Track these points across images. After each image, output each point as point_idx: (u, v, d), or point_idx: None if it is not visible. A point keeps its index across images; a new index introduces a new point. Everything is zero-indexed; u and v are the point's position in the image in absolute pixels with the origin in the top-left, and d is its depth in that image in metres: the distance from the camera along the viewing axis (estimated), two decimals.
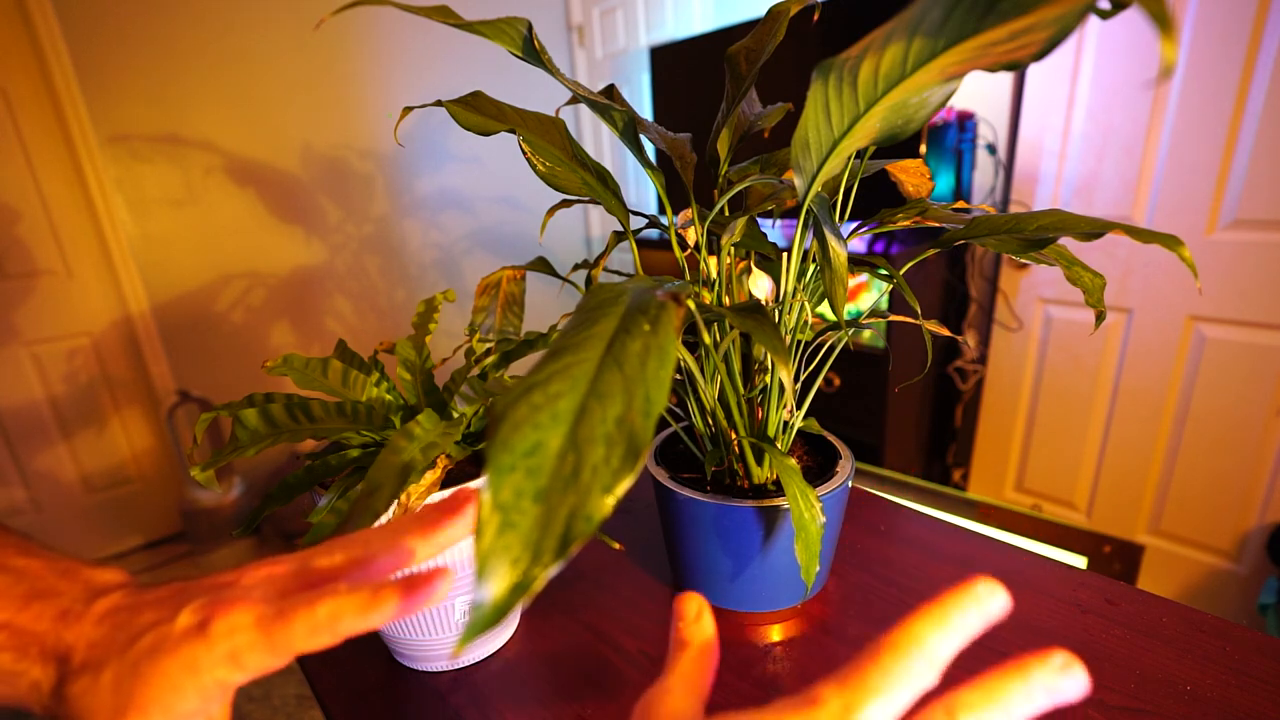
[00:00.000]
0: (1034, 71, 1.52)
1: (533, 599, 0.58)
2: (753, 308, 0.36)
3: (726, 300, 0.52)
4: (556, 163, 0.48)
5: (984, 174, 1.68)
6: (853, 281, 1.58)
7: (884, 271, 0.51)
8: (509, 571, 0.18)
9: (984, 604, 0.21)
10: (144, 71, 1.85)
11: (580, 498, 0.19)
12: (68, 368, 1.94)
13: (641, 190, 2.59)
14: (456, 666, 0.51)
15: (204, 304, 2.07)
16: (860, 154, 0.47)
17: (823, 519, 0.44)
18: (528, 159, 0.47)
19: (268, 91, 2.03)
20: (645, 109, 2.34)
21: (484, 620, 0.18)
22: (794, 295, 0.48)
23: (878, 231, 0.51)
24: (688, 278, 0.50)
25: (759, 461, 0.51)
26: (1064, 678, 0.19)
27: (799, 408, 0.54)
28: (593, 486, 0.20)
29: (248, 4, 1.96)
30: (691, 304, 0.36)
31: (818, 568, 0.44)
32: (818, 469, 0.54)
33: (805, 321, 0.51)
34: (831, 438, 0.57)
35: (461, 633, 0.19)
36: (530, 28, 0.39)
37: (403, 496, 0.42)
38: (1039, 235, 0.41)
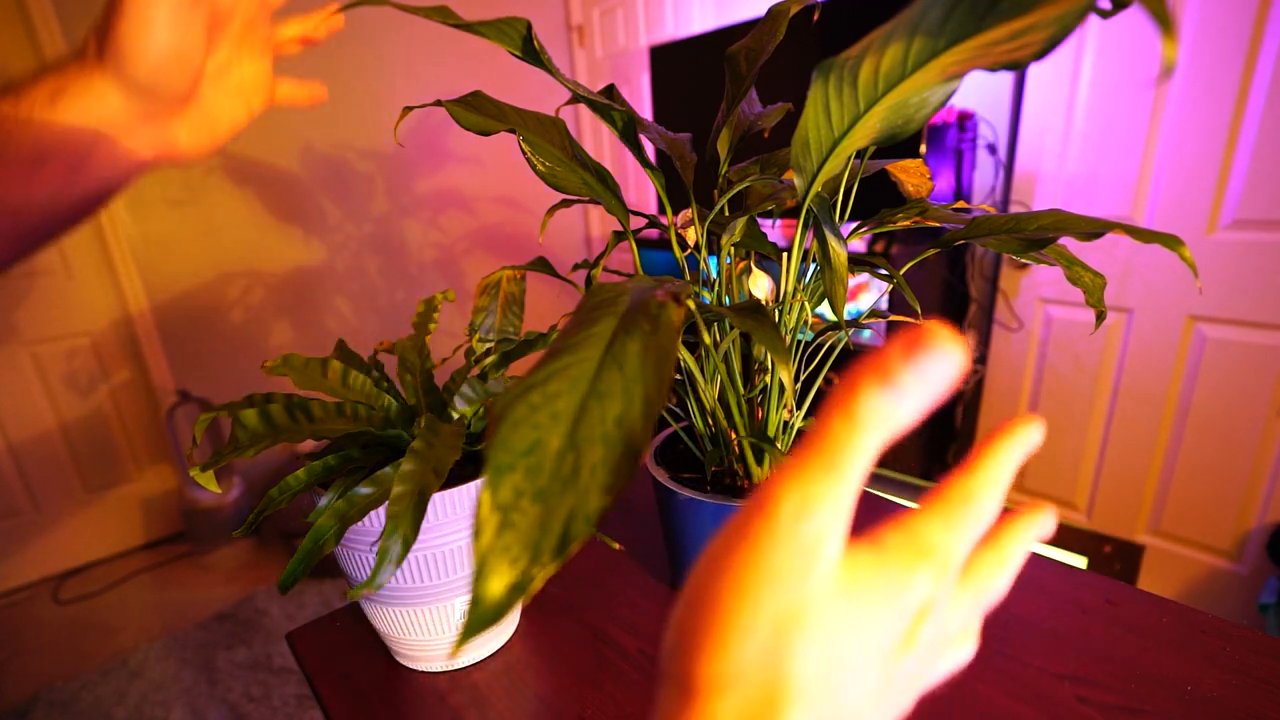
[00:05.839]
0: (1034, 71, 1.52)
1: (531, 598, 0.58)
2: (753, 308, 0.36)
3: (726, 300, 0.52)
4: (556, 163, 0.48)
5: (984, 174, 1.68)
6: (853, 281, 1.58)
7: (884, 271, 0.51)
8: (507, 571, 0.18)
9: (1031, 437, 0.22)
10: None
11: (579, 498, 0.19)
12: (68, 368, 1.94)
13: (641, 190, 2.59)
14: (456, 666, 0.51)
15: (204, 304, 2.07)
16: (860, 154, 0.47)
17: None
18: (528, 159, 0.47)
19: None
20: (645, 109, 2.34)
21: (482, 619, 0.18)
22: (794, 295, 0.48)
23: (878, 231, 0.51)
24: (688, 278, 0.50)
25: (759, 461, 0.51)
26: (1048, 523, 0.23)
27: (799, 408, 0.54)
28: (591, 486, 0.20)
29: None
30: (691, 304, 0.36)
31: None
32: None
33: (805, 321, 0.51)
34: None
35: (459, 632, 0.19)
36: (530, 28, 0.39)
37: None
38: (1039, 235, 0.41)
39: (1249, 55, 1.22)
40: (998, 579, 0.22)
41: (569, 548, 0.19)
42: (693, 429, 0.55)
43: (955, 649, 0.24)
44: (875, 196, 0.74)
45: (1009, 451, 0.21)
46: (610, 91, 0.50)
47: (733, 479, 0.53)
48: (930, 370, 0.16)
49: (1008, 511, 0.23)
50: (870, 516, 0.67)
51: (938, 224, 0.48)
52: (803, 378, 0.55)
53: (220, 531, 2.02)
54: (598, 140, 2.69)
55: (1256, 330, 1.33)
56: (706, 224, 0.48)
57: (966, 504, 0.20)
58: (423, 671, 0.52)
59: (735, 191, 0.46)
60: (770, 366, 0.50)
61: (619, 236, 0.53)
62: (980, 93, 1.63)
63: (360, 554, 0.47)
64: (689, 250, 0.53)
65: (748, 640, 0.17)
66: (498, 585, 0.18)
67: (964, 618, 0.22)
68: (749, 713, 0.17)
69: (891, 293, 1.45)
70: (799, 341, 0.52)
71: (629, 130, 0.47)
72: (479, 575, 0.18)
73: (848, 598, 0.18)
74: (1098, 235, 0.39)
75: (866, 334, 1.60)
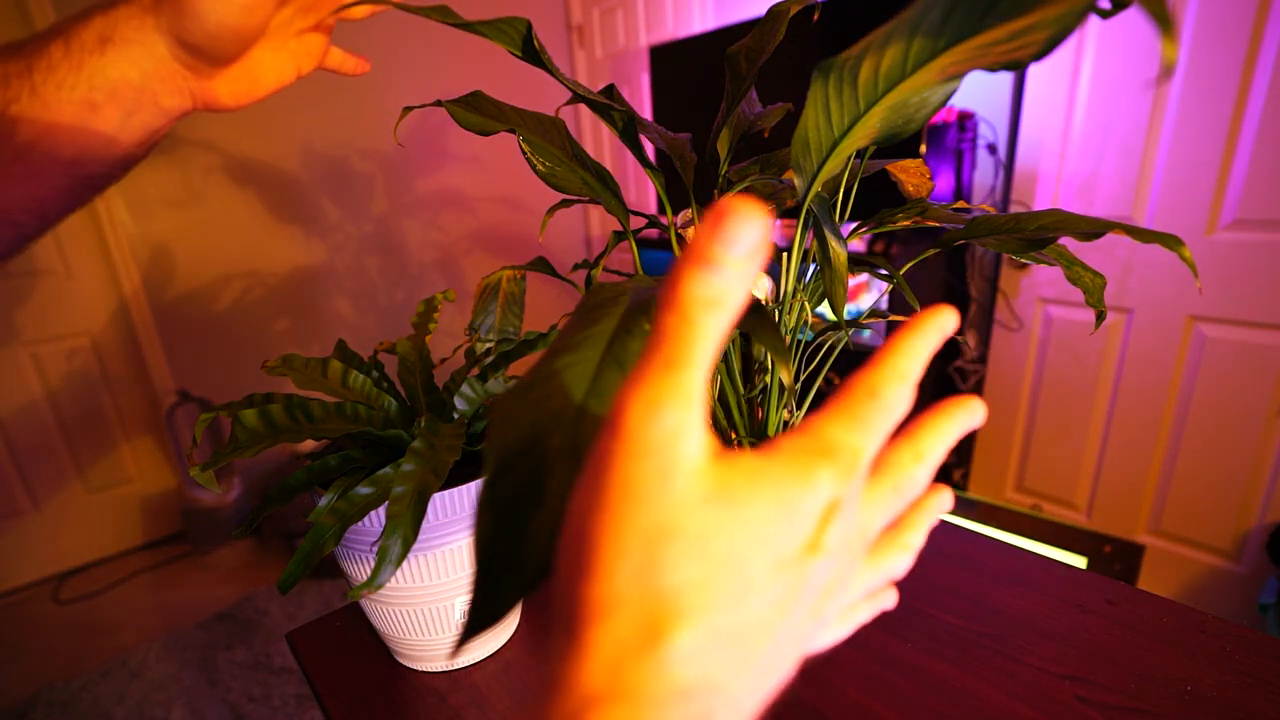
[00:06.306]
0: (1034, 71, 1.52)
1: (532, 598, 0.58)
2: (753, 308, 0.36)
3: None
4: (556, 163, 0.48)
5: (984, 174, 1.68)
6: (853, 281, 1.58)
7: (884, 271, 0.51)
8: (508, 572, 0.18)
9: (943, 325, 0.22)
10: None
11: None
12: (68, 368, 1.94)
13: (641, 190, 2.59)
14: (456, 666, 0.51)
15: (204, 304, 2.07)
16: (860, 154, 0.47)
17: None
18: (527, 159, 0.47)
19: None
20: (645, 109, 2.34)
21: (485, 615, 0.18)
22: (794, 295, 0.48)
23: (878, 231, 0.51)
24: None
25: None
26: (977, 413, 0.23)
27: (799, 408, 0.54)
28: None
29: None
30: None
31: None
32: None
33: (805, 321, 0.51)
34: None
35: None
36: (530, 28, 0.39)
37: None
38: (1039, 235, 0.41)
39: (1249, 55, 1.22)
40: (916, 471, 0.21)
41: None
42: None
43: (886, 556, 0.23)
44: (875, 196, 0.74)
45: (918, 342, 0.21)
46: (610, 91, 0.50)
47: None
48: (739, 237, 0.16)
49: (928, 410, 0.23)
50: None
51: (938, 224, 0.48)
52: (803, 378, 0.55)
53: (220, 531, 2.02)
54: (598, 140, 2.69)
55: (1256, 330, 1.33)
56: None
57: (871, 398, 0.19)
58: (423, 671, 0.52)
59: (735, 191, 0.46)
60: (770, 366, 0.50)
61: (619, 236, 0.53)
62: (980, 93, 1.63)
63: (360, 554, 0.47)
64: None
65: (619, 561, 0.16)
66: (502, 585, 0.18)
67: (885, 517, 0.21)
68: (632, 637, 0.15)
69: (891, 293, 1.45)
70: (799, 341, 0.52)
71: (629, 130, 0.47)
72: (479, 578, 0.18)
73: (725, 501, 0.17)
74: (1098, 235, 0.39)
75: (866, 334, 1.60)
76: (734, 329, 0.17)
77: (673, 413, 0.16)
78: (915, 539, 0.24)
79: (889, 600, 0.25)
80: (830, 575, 0.19)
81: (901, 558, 0.24)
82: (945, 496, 0.25)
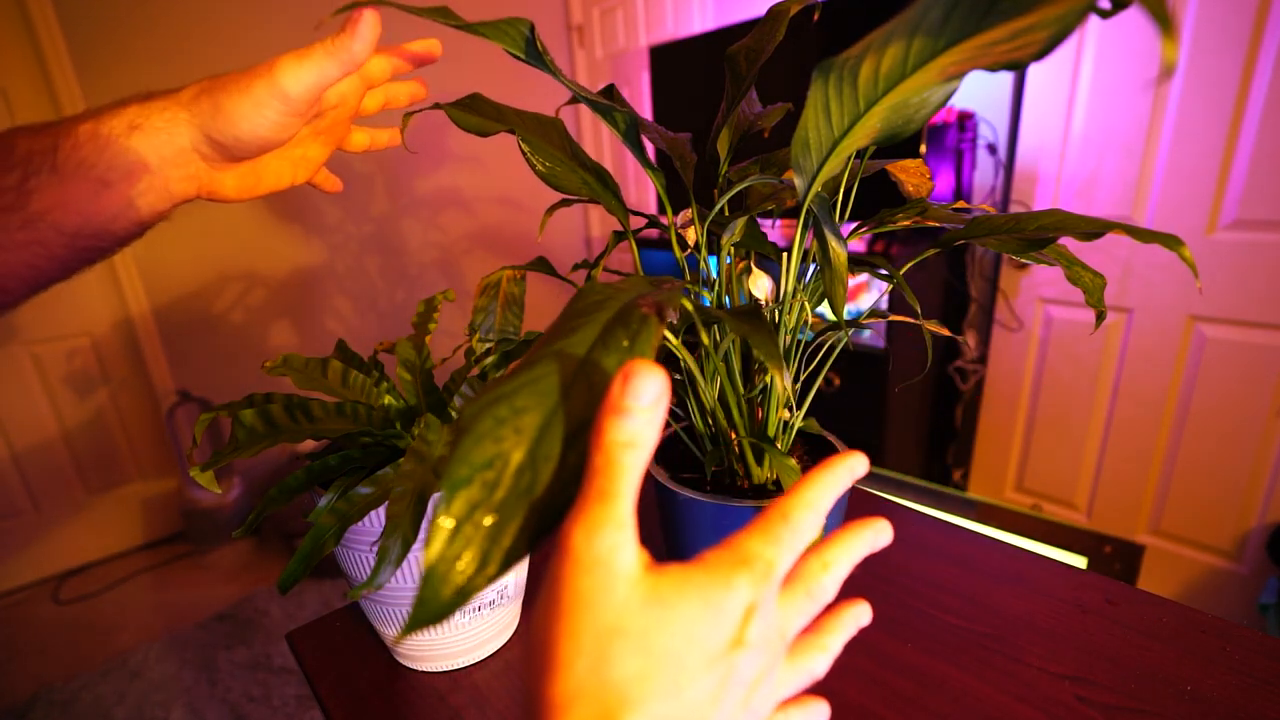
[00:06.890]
0: (1034, 71, 1.52)
1: (531, 599, 0.58)
2: (750, 311, 0.36)
3: (727, 301, 0.52)
4: (556, 163, 0.48)
5: (984, 174, 1.68)
6: (853, 281, 1.58)
7: (884, 271, 0.51)
8: (454, 579, 0.19)
9: (854, 468, 0.25)
10: (144, 71, 1.85)
11: (531, 514, 0.20)
12: (68, 368, 1.94)
13: (642, 190, 2.59)
14: (456, 667, 0.51)
15: (204, 304, 2.07)
16: (860, 154, 0.47)
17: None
18: (527, 159, 0.47)
19: None
20: (645, 109, 2.34)
21: (423, 619, 0.19)
22: (794, 295, 0.48)
23: (878, 231, 0.51)
24: (688, 278, 0.50)
25: (759, 461, 0.51)
26: (883, 534, 0.27)
27: (799, 408, 0.54)
28: (544, 504, 0.20)
29: (248, 4, 1.96)
30: (689, 305, 0.36)
31: None
32: None
33: (805, 321, 0.51)
34: (831, 438, 0.57)
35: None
36: (533, 29, 0.39)
37: None
38: (1039, 235, 0.41)
39: (1249, 55, 1.22)
40: (824, 579, 0.25)
41: (515, 561, 0.19)
42: (693, 429, 0.55)
43: (807, 656, 0.26)
44: (875, 196, 0.74)
45: (830, 479, 0.24)
46: (610, 91, 0.50)
47: (732, 479, 0.53)
48: (642, 390, 0.20)
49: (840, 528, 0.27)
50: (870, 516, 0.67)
51: (938, 224, 0.48)
52: (803, 378, 0.55)
53: (220, 531, 2.02)
54: (598, 140, 2.69)
55: (1257, 330, 1.33)
56: (706, 224, 0.48)
57: (784, 521, 0.23)
58: (423, 671, 0.52)
59: (735, 191, 0.46)
60: None
61: (619, 236, 0.53)
62: (980, 93, 1.63)
63: (360, 554, 0.47)
64: (689, 250, 0.53)
65: (576, 659, 0.19)
66: (444, 591, 0.19)
67: (800, 618, 0.24)
68: None
69: (891, 293, 1.45)
70: (799, 341, 0.52)
71: (631, 130, 0.47)
72: (426, 580, 0.19)
73: (660, 604, 0.20)
74: (1098, 235, 0.39)
75: (866, 334, 1.60)
76: (732, 338, 0.17)
77: (609, 535, 0.20)
78: (833, 642, 0.27)
79: (821, 714, 0.28)
80: (756, 669, 0.22)
81: (820, 658, 0.26)
82: (863, 609, 0.28)
